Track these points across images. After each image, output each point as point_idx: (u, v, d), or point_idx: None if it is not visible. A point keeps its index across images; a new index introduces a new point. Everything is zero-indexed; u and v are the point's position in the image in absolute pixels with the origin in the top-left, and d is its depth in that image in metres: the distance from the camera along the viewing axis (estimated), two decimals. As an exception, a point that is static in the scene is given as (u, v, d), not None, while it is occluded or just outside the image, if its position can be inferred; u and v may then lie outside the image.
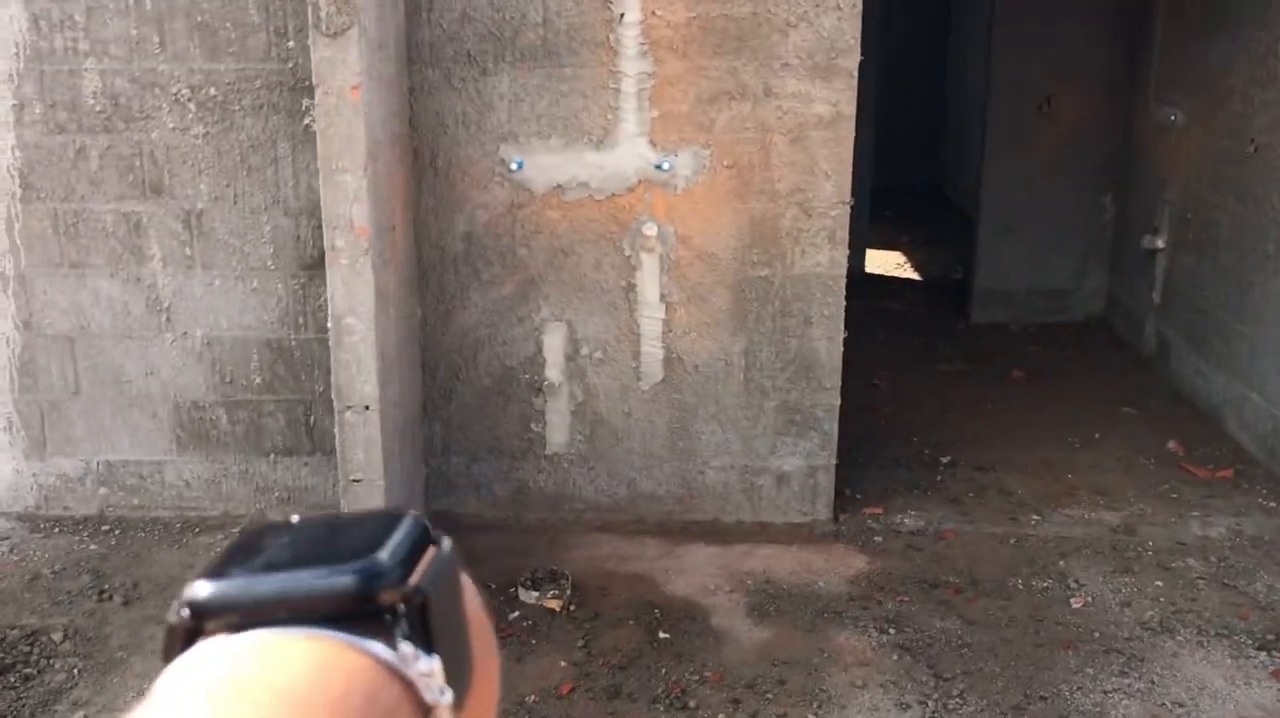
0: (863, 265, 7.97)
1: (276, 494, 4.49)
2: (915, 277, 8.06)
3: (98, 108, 4.16)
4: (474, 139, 4.13)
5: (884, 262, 8.29)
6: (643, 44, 4.03)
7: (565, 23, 4.03)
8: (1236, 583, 4.12)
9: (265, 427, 4.43)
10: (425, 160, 4.16)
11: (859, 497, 4.72)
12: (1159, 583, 4.12)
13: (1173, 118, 5.73)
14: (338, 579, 0.41)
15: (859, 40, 4.02)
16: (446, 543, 0.46)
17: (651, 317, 4.33)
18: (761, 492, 4.51)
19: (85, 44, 4.10)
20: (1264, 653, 3.71)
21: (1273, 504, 4.65)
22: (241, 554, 0.44)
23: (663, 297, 4.30)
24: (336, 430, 3.73)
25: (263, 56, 4.07)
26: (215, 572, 0.43)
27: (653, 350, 4.37)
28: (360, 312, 3.60)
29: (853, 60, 4.03)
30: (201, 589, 0.42)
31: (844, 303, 4.31)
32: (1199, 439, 5.24)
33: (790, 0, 3.97)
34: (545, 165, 4.16)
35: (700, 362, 4.39)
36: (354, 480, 3.74)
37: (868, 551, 4.37)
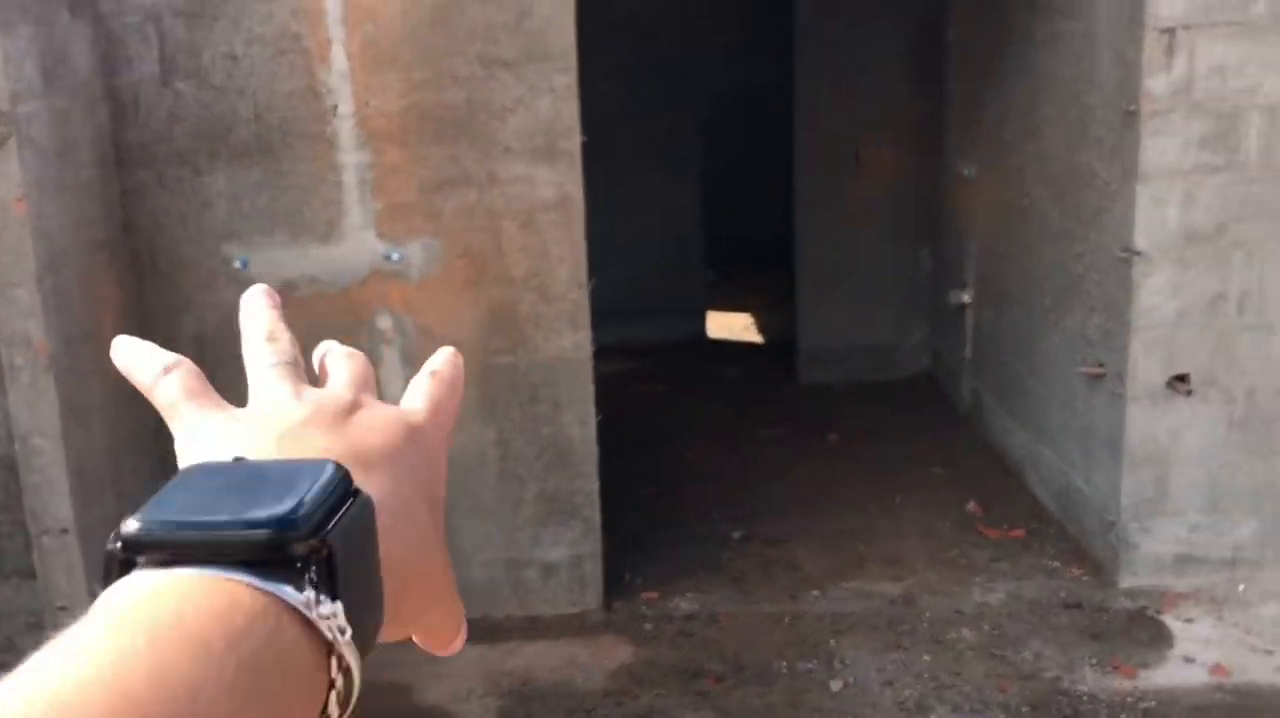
0: (704, 331, 7.89)
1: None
2: (759, 339, 7.96)
3: None
4: (194, 239, 3.99)
5: (730, 324, 8.19)
6: (360, 135, 3.92)
7: (278, 118, 3.91)
8: (1004, 652, 4.00)
9: None
10: (146, 263, 4.01)
11: (639, 581, 4.58)
12: (927, 657, 4.00)
13: (967, 172, 5.70)
14: (253, 531, 0.45)
15: (578, 123, 3.92)
16: (364, 496, 0.49)
17: (400, 411, 4.17)
18: (529, 585, 4.36)
19: None
20: (1014, 729, 3.59)
21: (1056, 565, 4.55)
22: (178, 492, 0.48)
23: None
24: (35, 556, 3.54)
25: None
26: (149, 508, 0.47)
27: (406, 446, 4.21)
28: (48, 431, 3.42)
29: (573, 142, 3.94)
30: (131, 525, 0.46)
31: (592, 386, 4.21)
32: (1000, 497, 5.15)
33: (503, 86, 3.87)
34: (272, 262, 4.02)
35: (453, 455, 4.18)
36: (59, 608, 3.55)
37: (637, 640, 4.22)
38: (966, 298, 5.81)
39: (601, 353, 7.03)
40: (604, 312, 6.84)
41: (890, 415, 6.24)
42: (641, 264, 7.42)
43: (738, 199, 8.61)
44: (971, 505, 5.07)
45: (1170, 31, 3.82)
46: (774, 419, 6.33)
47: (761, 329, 8.11)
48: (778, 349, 7.44)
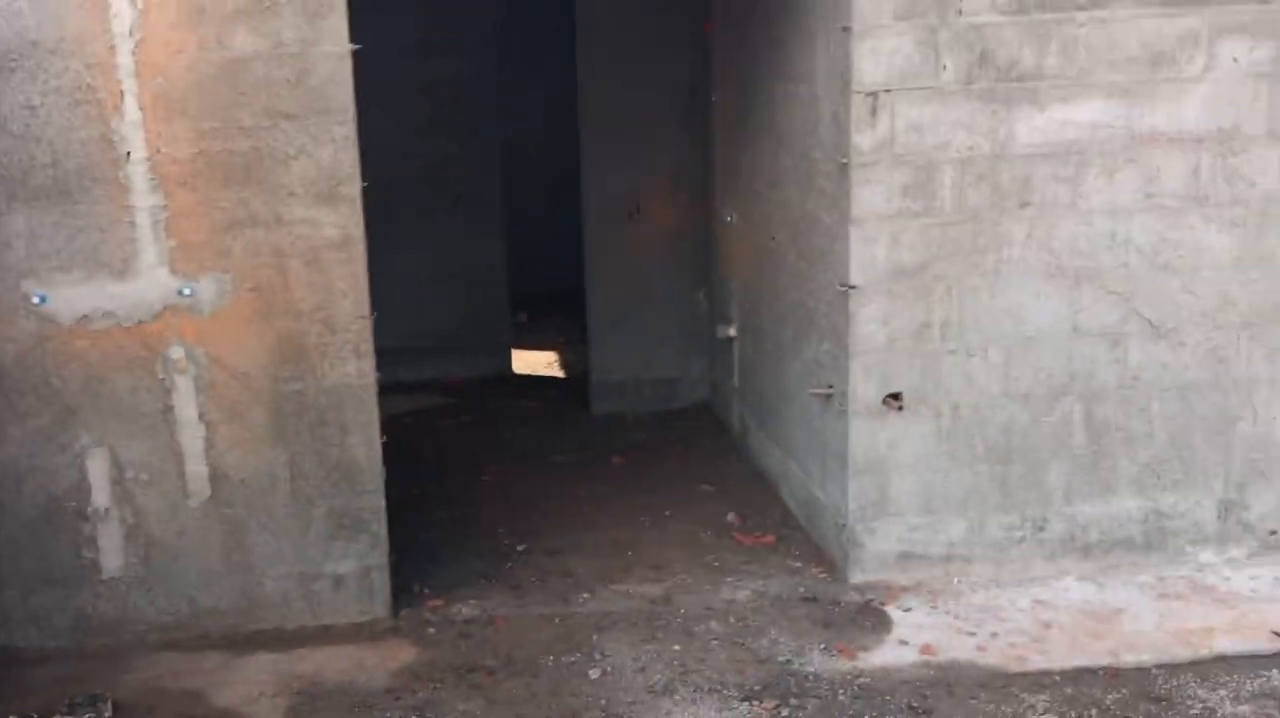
0: (509, 367, 8.34)
1: None
2: (561, 374, 8.44)
3: None
4: (-7, 276, 4.26)
5: (535, 361, 8.66)
6: (152, 179, 4.25)
7: (74, 163, 4.22)
8: (745, 641, 4.51)
9: None
10: (-53, 300, 4.26)
11: (426, 591, 4.95)
12: (678, 647, 4.47)
13: (729, 219, 6.30)
14: None
15: (358, 169, 4.34)
16: None
17: (193, 436, 4.50)
18: (320, 596, 4.70)
19: None
20: (746, 703, 4.09)
21: (799, 565, 5.11)
22: None
23: (201, 415, 4.48)
24: None
25: None
26: None
27: (198, 469, 4.53)
28: None
29: (354, 188, 4.35)
30: None
31: (376, 410, 4.58)
32: (758, 509, 5.71)
33: (287, 135, 4.27)
34: (69, 298, 4.31)
35: (246, 476, 4.57)
36: None
37: (420, 643, 4.59)
38: (732, 332, 6.40)
39: (412, 388, 7.50)
40: (415, 350, 7.31)
41: (670, 440, 6.79)
42: (450, 306, 7.87)
43: (548, 246, 9.14)
44: (731, 516, 5.61)
45: (874, 94, 4.45)
46: (566, 446, 6.80)
47: (563, 365, 8.59)
48: (576, 383, 7.93)
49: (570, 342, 8.93)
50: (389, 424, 4.76)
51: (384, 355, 4.65)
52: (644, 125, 6.76)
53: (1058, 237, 4.65)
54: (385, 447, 4.65)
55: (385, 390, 4.73)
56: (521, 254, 8.49)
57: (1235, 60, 4.56)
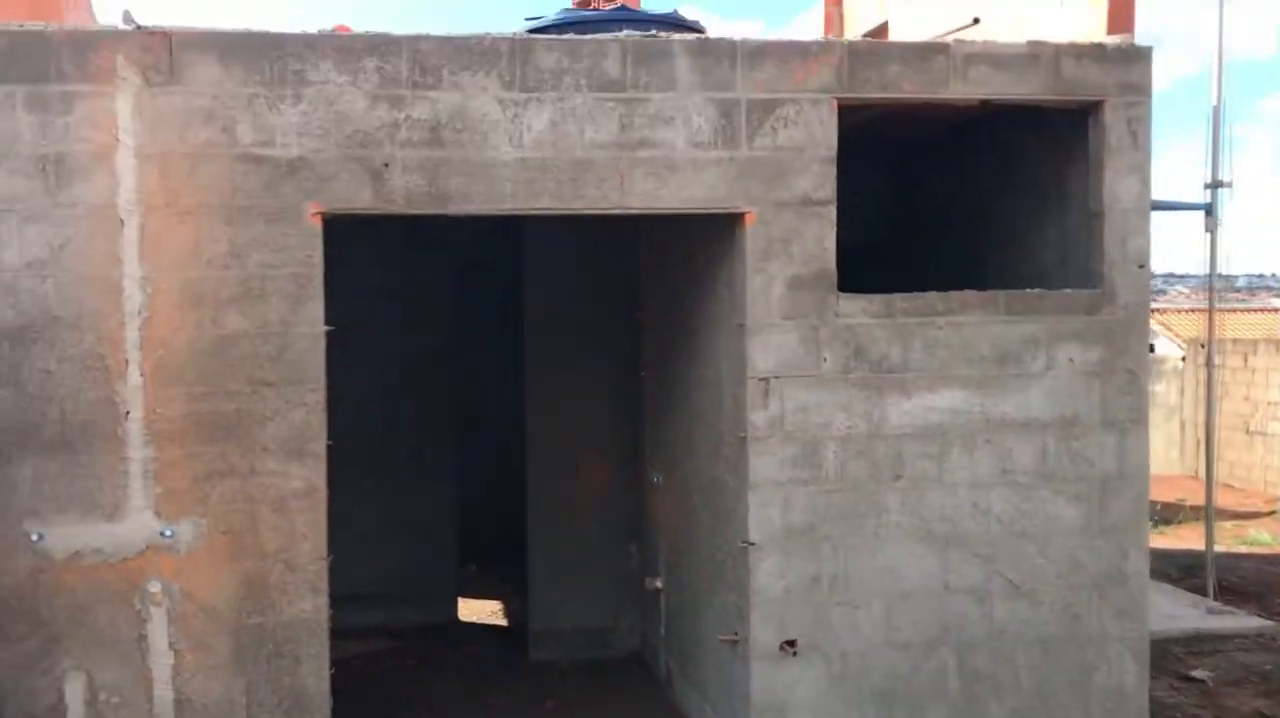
0: (455, 614, 8.87)
1: None
2: (504, 622, 8.97)
3: None
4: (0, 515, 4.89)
5: (480, 610, 9.19)
6: (146, 435, 4.96)
7: (80, 419, 4.93)
8: None
9: None
10: (-45, 535, 4.87)
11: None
12: None
13: (656, 480, 7.03)
14: None
15: (325, 429, 5.07)
16: None
17: (163, 663, 5.04)
18: (263, 816, 5.13)
19: None
20: None
21: (705, 799, 5.58)
22: None
23: (171, 644, 5.03)
24: None
25: None
26: None
27: (165, 693, 5.05)
28: None
29: (320, 445, 5.06)
30: None
31: (328, 644, 5.15)
32: (676, 750, 6.19)
33: (266, 401, 5.01)
34: (64, 536, 4.94)
35: (209, 702, 5.08)
36: None
37: None
38: (659, 583, 7.02)
39: (362, 632, 8.01)
40: (367, 596, 7.86)
41: (602, 686, 7.29)
42: (402, 555, 8.47)
43: (501, 500, 9.86)
44: (650, 756, 6.10)
45: (766, 380, 5.26)
46: (503, 690, 7.29)
47: (506, 614, 9.12)
48: (518, 631, 8.45)
49: (515, 591, 9.48)
50: (339, 665, 5.29)
51: (338, 600, 5.25)
52: (582, 397, 7.59)
53: (928, 505, 5.39)
54: (333, 680, 5.19)
55: (338, 633, 5.29)
56: (475, 507, 9.17)
57: (1071, 360, 5.43)
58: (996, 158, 6.41)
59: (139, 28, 4.88)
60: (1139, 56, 5.42)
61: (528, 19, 8.38)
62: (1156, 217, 5.65)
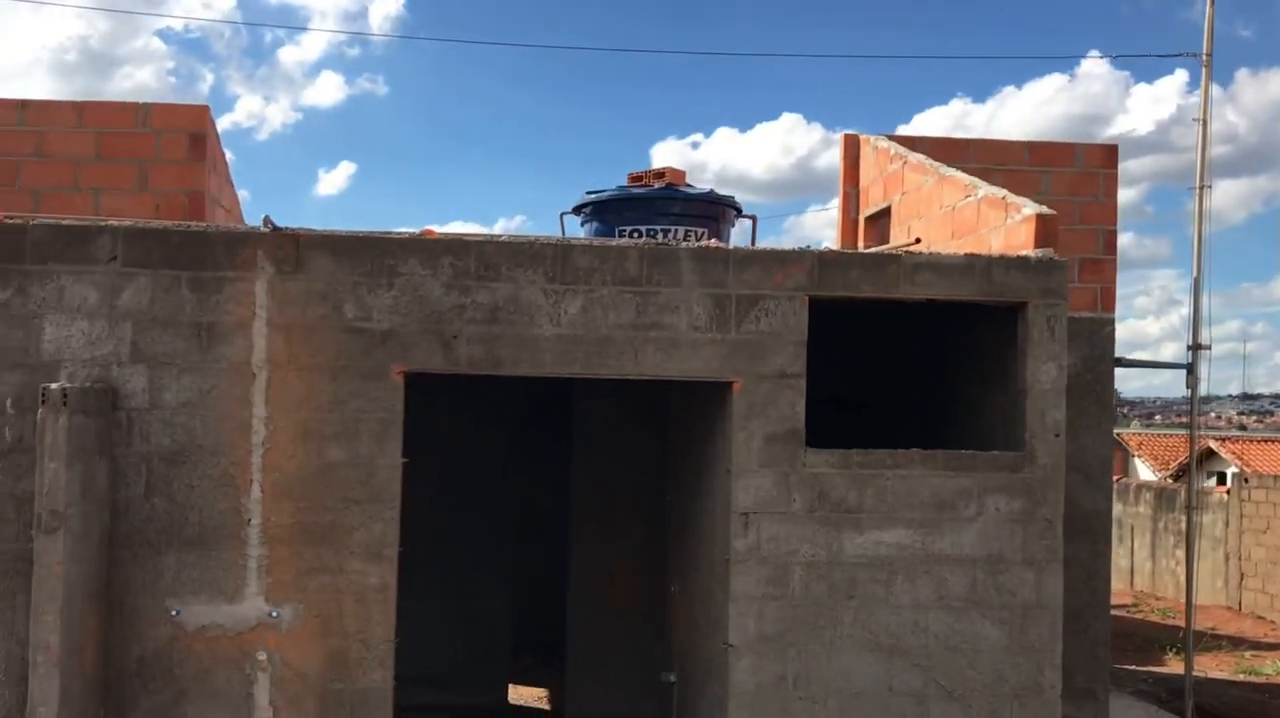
0: (505, 698, 10.22)
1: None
2: (547, 707, 10.29)
3: (-105, 568, 6.29)
4: (149, 594, 6.39)
5: (529, 695, 10.53)
6: (262, 538, 6.44)
7: (214, 523, 6.44)
8: None
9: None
10: (117, 607, 6.38)
11: None
12: None
13: (674, 589, 8.36)
14: None
15: (397, 538, 6.51)
16: None
17: (264, 716, 6.46)
18: (334, 845, 6.49)
19: (-106, 527, 6.30)
20: None
21: None
22: None
23: (271, 702, 6.46)
24: (21, 785, 5.68)
25: (13, 537, 6.33)
26: None
27: (263, 741, 6.48)
28: (44, 711, 5.67)
29: (393, 551, 6.50)
30: None
31: (392, 708, 6.53)
32: (672, 817, 7.43)
33: (353, 514, 6.48)
34: (195, 612, 6.42)
35: (295, 752, 6.49)
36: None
37: None
38: (672, 677, 8.30)
39: (422, 710, 9.34)
40: (427, 678, 9.25)
41: (623, 765, 8.56)
42: (464, 644, 9.88)
43: (548, 602, 11.23)
44: (650, 820, 7.34)
45: (746, 514, 6.59)
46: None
47: (550, 700, 10.45)
48: (557, 715, 9.77)
49: (558, 681, 10.80)
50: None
51: (403, 681, 6.63)
52: (619, 517, 8.98)
53: (876, 621, 6.65)
54: (394, 738, 6.57)
55: (402, 708, 6.65)
56: (538, 603, 10.56)
57: (997, 509, 6.69)
58: (959, 334, 7.74)
59: (275, 229, 6.48)
60: (1056, 267, 6.75)
61: (588, 192, 10.02)
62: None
